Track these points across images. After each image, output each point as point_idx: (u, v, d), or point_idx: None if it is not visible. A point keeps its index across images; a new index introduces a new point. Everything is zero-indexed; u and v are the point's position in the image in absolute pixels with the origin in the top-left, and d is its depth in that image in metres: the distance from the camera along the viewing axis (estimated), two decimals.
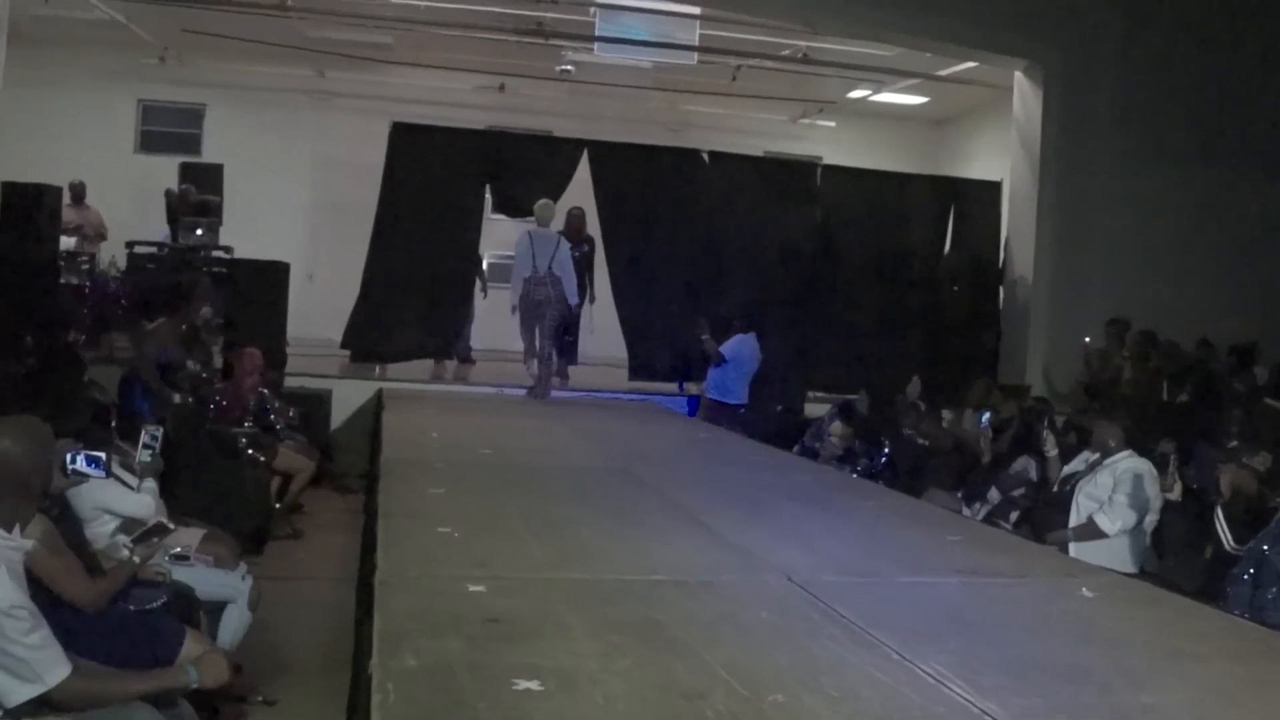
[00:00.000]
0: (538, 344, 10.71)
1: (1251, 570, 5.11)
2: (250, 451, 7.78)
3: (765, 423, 11.05)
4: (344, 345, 12.36)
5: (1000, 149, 14.50)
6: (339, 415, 11.09)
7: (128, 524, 4.89)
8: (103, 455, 4.10)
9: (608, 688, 3.05)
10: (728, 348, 11.23)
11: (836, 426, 9.70)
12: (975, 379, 10.95)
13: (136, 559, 4.23)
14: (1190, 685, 3.42)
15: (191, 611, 4.61)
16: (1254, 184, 12.69)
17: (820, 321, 12.98)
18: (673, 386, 12.57)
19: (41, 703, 3.29)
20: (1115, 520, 6.36)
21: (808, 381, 12.52)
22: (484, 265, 13.47)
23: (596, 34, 13.20)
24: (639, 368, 12.81)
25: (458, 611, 3.62)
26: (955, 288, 13.26)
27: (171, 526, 4.52)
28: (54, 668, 3.29)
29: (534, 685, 2.99)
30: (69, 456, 4.01)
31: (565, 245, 10.78)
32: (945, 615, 4.03)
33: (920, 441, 9.16)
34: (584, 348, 12.89)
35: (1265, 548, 5.11)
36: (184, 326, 9.30)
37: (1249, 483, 5.72)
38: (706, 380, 11.49)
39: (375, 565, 4.24)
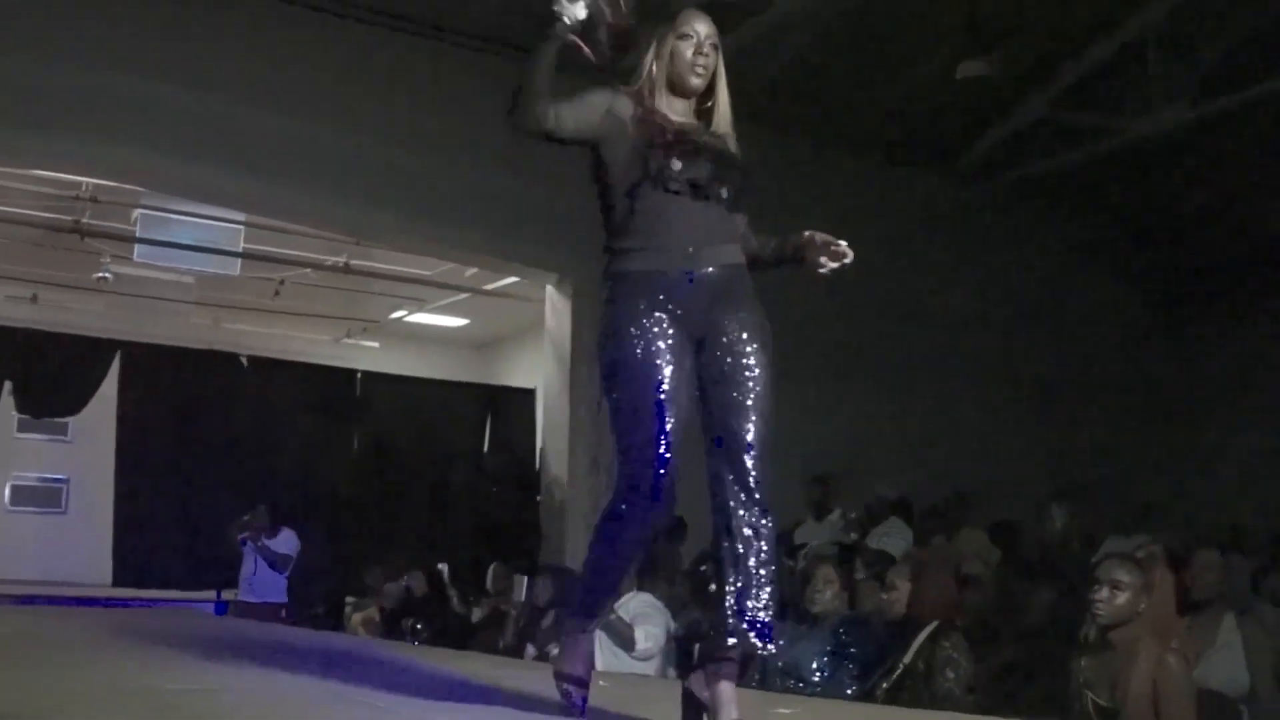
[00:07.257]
0: None
1: None
2: None
3: (308, 623, 10.92)
4: None
5: (539, 361, 15.28)
6: None
7: None
8: None
9: None
10: (281, 545, 11.19)
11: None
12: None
13: None
14: None
15: None
16: None
17: (365, 525, 13.06)
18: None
19: None
20: (648, 639, 6.75)
21: (349, 586, 12.48)
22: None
23: (138, 235, 12.90)
24: (126, 573, 12.28)
25: None
26: (495, 488, 13.84)
27: None
28: None
29: None
30: None
31: None
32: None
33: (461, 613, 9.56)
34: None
35: None
36: None
37: None
38: (242, 582, 11.30)
39: None
